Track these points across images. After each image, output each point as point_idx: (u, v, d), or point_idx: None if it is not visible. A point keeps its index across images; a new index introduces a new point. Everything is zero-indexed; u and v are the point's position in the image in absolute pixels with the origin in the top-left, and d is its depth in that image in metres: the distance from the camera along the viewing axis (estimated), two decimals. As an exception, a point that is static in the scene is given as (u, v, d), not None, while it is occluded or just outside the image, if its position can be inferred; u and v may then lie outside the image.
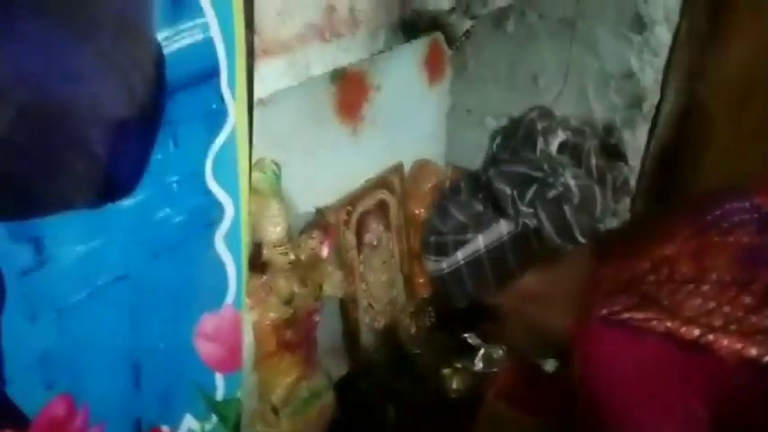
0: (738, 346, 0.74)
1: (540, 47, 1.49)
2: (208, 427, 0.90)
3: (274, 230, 1.07)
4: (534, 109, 0.95)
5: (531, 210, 0.87)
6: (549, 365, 1.62)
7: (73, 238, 0.62)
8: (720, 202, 0.88)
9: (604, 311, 0.81)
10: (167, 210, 0.72)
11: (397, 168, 1.53)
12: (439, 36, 1.50)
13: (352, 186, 1.39)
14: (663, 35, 1.39)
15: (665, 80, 1.42)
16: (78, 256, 0.63)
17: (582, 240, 0.87)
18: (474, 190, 0.93)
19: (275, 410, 1.19)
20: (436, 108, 1.63)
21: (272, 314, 1.11)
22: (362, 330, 1.49)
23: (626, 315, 0.79)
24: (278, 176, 1.05)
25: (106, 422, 0.74)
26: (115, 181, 0.64)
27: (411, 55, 1.48)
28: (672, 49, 1.41)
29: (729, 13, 1.40)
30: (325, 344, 1.36)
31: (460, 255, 0.91)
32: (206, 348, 0.84)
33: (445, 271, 0.93)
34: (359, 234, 1.43)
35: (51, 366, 0.65)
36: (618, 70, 1.43)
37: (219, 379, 0.88)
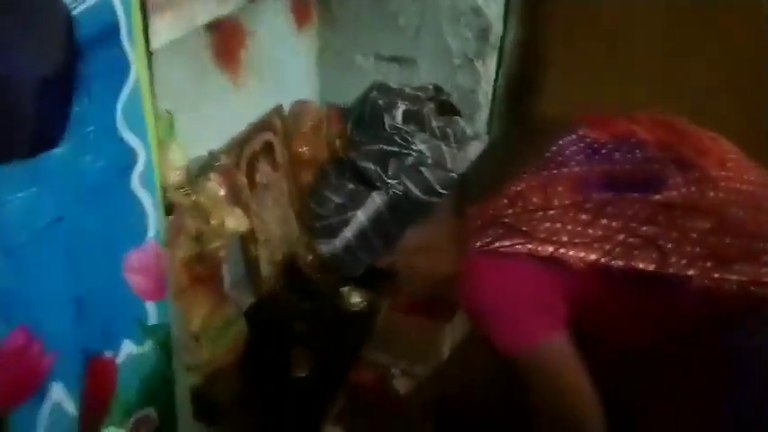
0: (582, 254, 0.89)
1: (397, -13, 1.63)
2: (144, 349, 1.00)
3: (176, 173, 1.16)
4: (372, 88, 1.12)
5: (397, 180, 1.03)
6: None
7: (14, 186, 0.70)
8: (553, 139, 1.01)
9: (478, 244, 0.94)
10: (89, 156, 0.80)
11: (278, 110, 1.64)
12: (302, -18, 1.60)
13: (237, 131, 1.49)
14: (504, -28, 1.57)
15: (507, 13, 1.61)
16: (20, 201, 0.71)
17: (443, 192, 1.04)
18: (341, 173, 1.08)
19: (196, 338, 1.30)
20: (307, 51, 1.74)
21: (182, 252, 1.22)
22: (263, 264, 1.61)
23: (496, 244, 0.92)
24: (172, 124, 1.14)
25: (59, 351, 0.83)
26: (44, 133, 0.72)
27: (278, 3, 1.57)
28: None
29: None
30: (230, 279, 1.48)
31: (348, 232, 1.07)
32: (135, 280, 0.94)
33: (338, 249, 1.09)
34: (250, 175, 1.54)
35: (7, 303, 0.73)
36: (467, 6, 1.59)
37: (150, 307, 0.98)
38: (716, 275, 0.87)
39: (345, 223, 1.08)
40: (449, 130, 1.11)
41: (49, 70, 0.70)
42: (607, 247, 0.89)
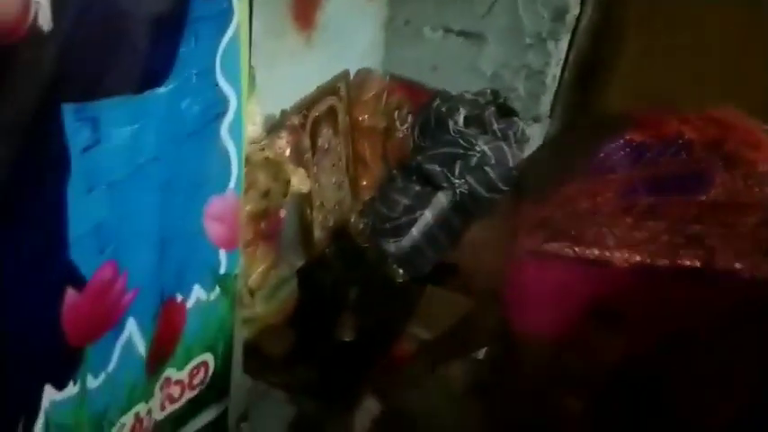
0: (627, 255, 0.92)
1: (473, -41, 1.61)
2: (212, 297, 1.01)
3: (252, 128, 1.17)
4: (436, 97, 1.19)
5: (462, 180, 1.08)
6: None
7: (121, 120, 0.71)
8: (601, 143, 1.03)
9: (527, 245, 0.99)
10: (188, 100, 0.81)
11: (344, 76, 1.64)
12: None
13: (306, 92, 1.49)
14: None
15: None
16: (124, 137, 0.72)
17: (505, 188, 1.09)
18: (407, 176, 1.13)
19: (251, 293, 1.32)
20: (375, 19, 1.73)
21: (249, 206, 1.23)
22: (315, 227, 1.62)
23: (544, 246, 0.96)
24: (254, 78, 1.14)
25: (139, 288, 0.85)
26: (152, 70, 0.73)
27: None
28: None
29: None
30: (285, 239, 1.49)
31: (415, 231, 1.11)
32: (213, 227, 0.95)
33: (407, 248, 1.12)
34: (313, 137, 1.55)
35: (102, 235, 0.74)
36: (545, -21, 1.57)
37: (223, 255, 1.00)
38: (765, 268, 0.87)
39: (413, 223, 1.12)
40: (509, 132, 1.17)
41: (162, 8, 0.70)
42: (652, 248, 0.91)
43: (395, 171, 1.17)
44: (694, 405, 0.99)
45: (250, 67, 1.12)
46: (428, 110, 1.17)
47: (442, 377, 1.49)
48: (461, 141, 1.10)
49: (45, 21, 0.58)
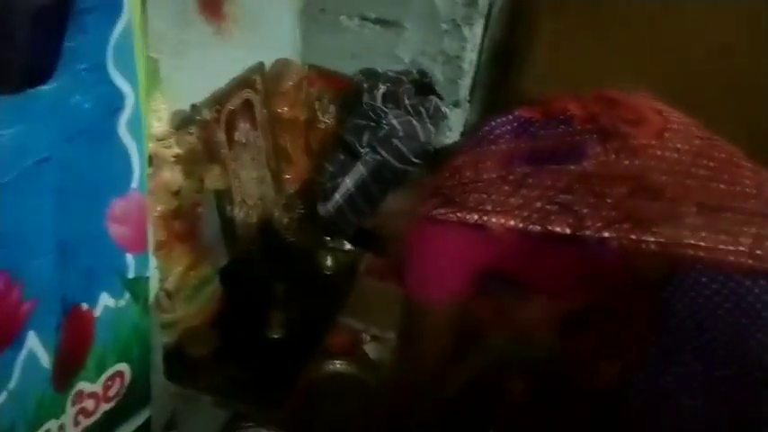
0: (503, 221, 0.97)
1: (383, -53, 1.60)
2: (121, 303, 0.97)
3: (158, 124, 1.12)
4: (358, 73, 1.36)
5: (369, 149, 1.19)
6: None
7: (3, 122, 0.66)
8: (492, 121, 1.12)
9: (423, 212, 1.05)
10: (78, 96, 0.76)
11: (259, 68, 1.60)
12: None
13: (219, 85, 1.44)
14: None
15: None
16: (7, 138, 0.67)
17: (416, 161, 1.20)
18: (335, 146, 1.25)
19: (170, 296, 1.27)
20: (291, 8, 1.70)
21: (160, 206, 1.18)
22: (238, 224, 1.58)
23: (434, 212, 1.03)
24: (157, 71, 1.09)
25: (38, 299, 0.80)
26: (37, 67, 0.68)
27: (265, -45, 1.52)
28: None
29: None
30: (205, 238, 1.45)
31: (338, 196, 1.23)
32: (117, 230, 0.90)
33: (332, 210, 1.24)
34: (228, 132, 1.50)
35: (-10, 244, 0.70)
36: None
37: (130, 259, 0.95)
38: (633, 237, 0.92)
39: (336, 188, 1.23)
40: (421, 108, 1.27)
41: (43, 0, 0.66)
42: (525, 213, 0.97)
43: (337, 139, 1.29)
44: (579, 365, 1.07)
45: (153, 59, 1.07)
46: (350, 85, 1.31)
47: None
48: (371, 114, 1.22)
49: None
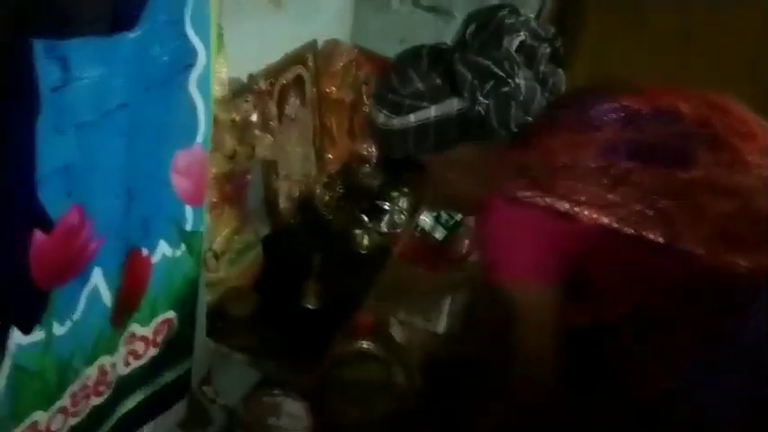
0: (595, 215, 0.93)
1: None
2: (177, 253, 1.02)
3: (219, 88, 1.17)
4: (505, 6, 1.12)
5: (485, 99, 1.04)
6: (439, 234, 1.87)
7: (90, 62, 0.71)
8: (596, 103, 1.04)
9: (504, 189, 1.00)
10: (157, 48, 0.81)
11: (312, 46, 1.64)
12: None
13: (271, 56, 1.49)
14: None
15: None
16: (93, 80, 0.72)
17: (514, 130, 1.06)
18: (435, 63, 1.08)
19: (216, 256, 1.32)
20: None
21: (215, 168, 1.23)
22: (281, 197, 1.63)
23: (518, 192, 0.98)
24: (221, 36, 1.14)
25: (105, 236, 0.85)
26: (123, 13, 0.73)
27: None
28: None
29: None
30: (251, 205, 1.50)
31: (413, 118, 1.07)
32: (179, 182, 0.95)
33: (395, 127, 1.09)
34: (280, 106, 1.55)
35: (71, 177, 0.74)
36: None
37: (189, 212, 1.00)
38: (726, 258, 0.89)
39: (415, 109, 1.07)
40: (550, 80, 1.12)
41: (134, -49, 0.71)
42: (622, 213, 0.92)
43: (423, 52, 1.12)
44: (637, 373, 1.02)
45: (219, 25, 1.12)
46: (491, 15, 1.09)
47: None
48: (506, 65, 1.04)
49: (17, -46, 0.58)
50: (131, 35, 0.75)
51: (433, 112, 1.07)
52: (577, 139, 1.00)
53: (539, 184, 0.97)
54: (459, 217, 1.86)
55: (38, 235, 0.73)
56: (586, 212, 0.93)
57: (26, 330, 0.77)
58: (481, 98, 1.04)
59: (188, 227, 1.02)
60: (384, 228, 1.75)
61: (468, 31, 1.09)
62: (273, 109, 1.51)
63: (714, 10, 1.55)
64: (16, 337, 0.77)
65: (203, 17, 0.88)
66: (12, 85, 0.64)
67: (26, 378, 0.81)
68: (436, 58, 1.09)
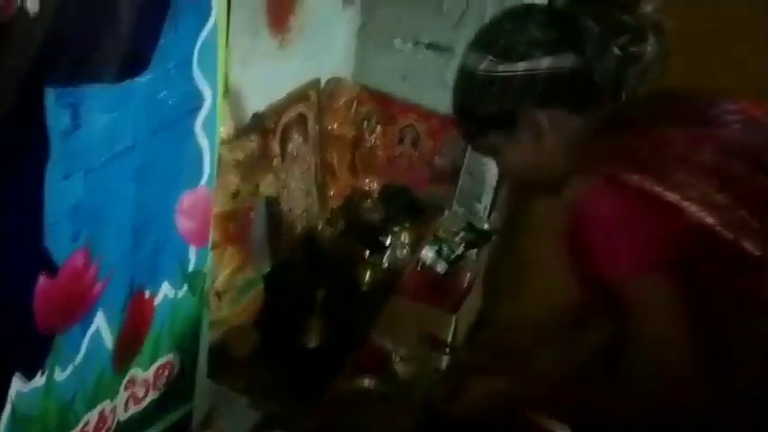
0: (702, 214, 0.88)
1: (444, -25, 1.65)
2: (180, 294, 1.01)
3: (223, 128, 1.17)
4: None
5: (610, 70, 0.94)
6: (440, 268, 1.86)
7: (101, 107, 0.71)
8: (719, 104, 1.00)
9: (607, 170, 0.92)
10: (165, 91, 0.81)
11: (315, 83, 1.66)
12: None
13: (277, 94, 1.50)
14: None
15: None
16: (103, 124, 0.72)
17: (622, 100, 0.97)
18: (552, 17, 0.98)
19: (218, 296, 1.31)
20: (348, 27, 1.76)
21: (218, 207, 1.23)
22: (284, 232, 1.63)
23: (624, 175, 0.90)
24: (227, 77, 1.15)
25: (110, 278, 0.84)
26: (133, 59, 0.74)
27: (327, -25, 1.59)
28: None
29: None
30: (253, 242, 1.49)
31: (522, 66, 0.95)
32: (183, 223, 0.95)
33: (499, 73, 0.96)
34: (282, 143, 1.56)
35: (77, 221, 0.74)
36: (515, -2, 1.61)
37: (192, 252, 1.00)
38: None
39: (528, 57, 0.96)
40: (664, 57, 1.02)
41: (148, -2, 0.72)
42: (727, 217, 0.89)
43: (536, 7, 1.05)
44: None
45: (225, 65, 1.13)
46: None
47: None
48: (648, 34, 0.95)
49: (32, 3, 0.58)
50: (140, 80, 0.76)
51: (545, 63, 0.96)
52: (697, 133, 0.95)
53: (649, 169, 0.91)
54: (460, 250, 1.86)
55: (43, 279, 0.73)
56: (693, 209, 0.88)
57: (29, 376, 0.76)
58: (605, 65, 0.95)
59: (191, 267, 1.01)
60: (386, 263, 1.74)
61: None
62: (276, 147, 1.52)
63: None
64: (18, 383, 0.75)
65: (211, 60, 0.89)
66: (23, 132, 0.64)
67: (27, 423, 0.79)
68: (552, 9, 1.01)
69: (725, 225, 0.88)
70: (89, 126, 0.71)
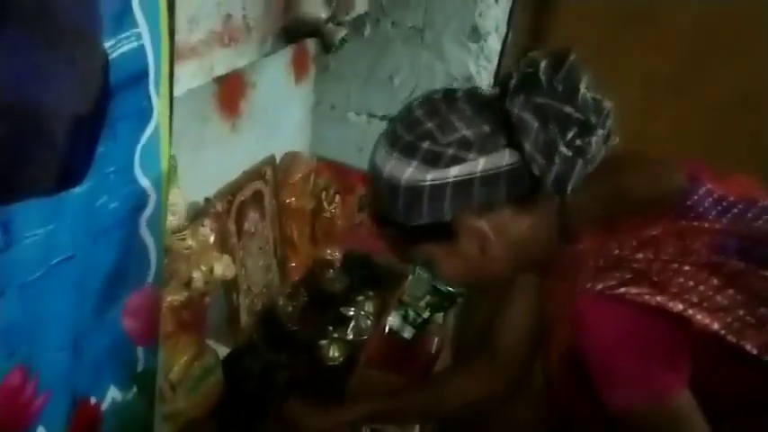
0: (708, 321, 0.82)
1: (394, 51, 1.69)
2: (128, 396, 0.97)
3: (174, 218, 1.16)
4: (570, 50, 0.88)
5: (566, 150, 0.83)
6: (407, 333, 1.85)
7: (34, 222, 0.69)
8: (688, 189, 0.91)
9: (600, 286, 0.85)
10: (105, 197, 0.80)
11: (270, 160, 1.65)
12: (305, 40, 1.64)
13: (231, 176, 1.49)
14: (494, 44, 1.65)
15: (496, 83, 1.68)
16: (37, 238, 0.70)
17: (569, 194, 0.87)
18: (479, 109, 0.87)
19: (173, 387, 1.27)
20: (302, 104, 1.78)
21: (170, 297, 1.20)
22: (242, 312, 1.60)
23: (622, 290, 0.83)
24: (175, 168, 1.14)
25: (51, 391, 0.80)
26: (70, 171, 0.72)
27: (280, 56, 1.61)
28: (501, 55, 1.67)
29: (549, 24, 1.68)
30: (210, 327, 1.46)
31: (453, 171, 0.84)
32: (129, 324, 0.92)
33: (426, 183, 0.85)
34: (238, 222, 1.54)
35: (12, 339, 0.71)
36: (460, 73, 1.66)
37: (140, 352, 0.96)
38: None
39: (459, 161, 0.84)
40: (613, 137, 0.92)
41: (84, 108, 0.70)
42: (728, 319, 0.84)
43: (459, 95, 0.90)
44: None
45: (172, 156, 1.12)
46: (562, 58, 0.86)
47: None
48: (591, 114, 0.84)
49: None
50: (78, 191, 0.74)
51: (481, 165, 0.84)
52: (683, 229, 0.88)
53: (645, 279, 0.84)
54: (426, 314, 1.85)
55: (-26, 404, 0.69)
56: (699, 316, 0.83)
57: (-39, 507, 0.72)
58: (563, 149, 0.84)
59: (140, 367, 0.98)
60: (350, 335, 1.72)
61: (528, 72, 0.87)
62: (232, 227, 1.50)
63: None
64: None
65: (154, 160, 0.88)
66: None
67: None
68: (480, 103, 0.88)
69: (727, 328, 0.84)
70: (22, 242, 0.69)
